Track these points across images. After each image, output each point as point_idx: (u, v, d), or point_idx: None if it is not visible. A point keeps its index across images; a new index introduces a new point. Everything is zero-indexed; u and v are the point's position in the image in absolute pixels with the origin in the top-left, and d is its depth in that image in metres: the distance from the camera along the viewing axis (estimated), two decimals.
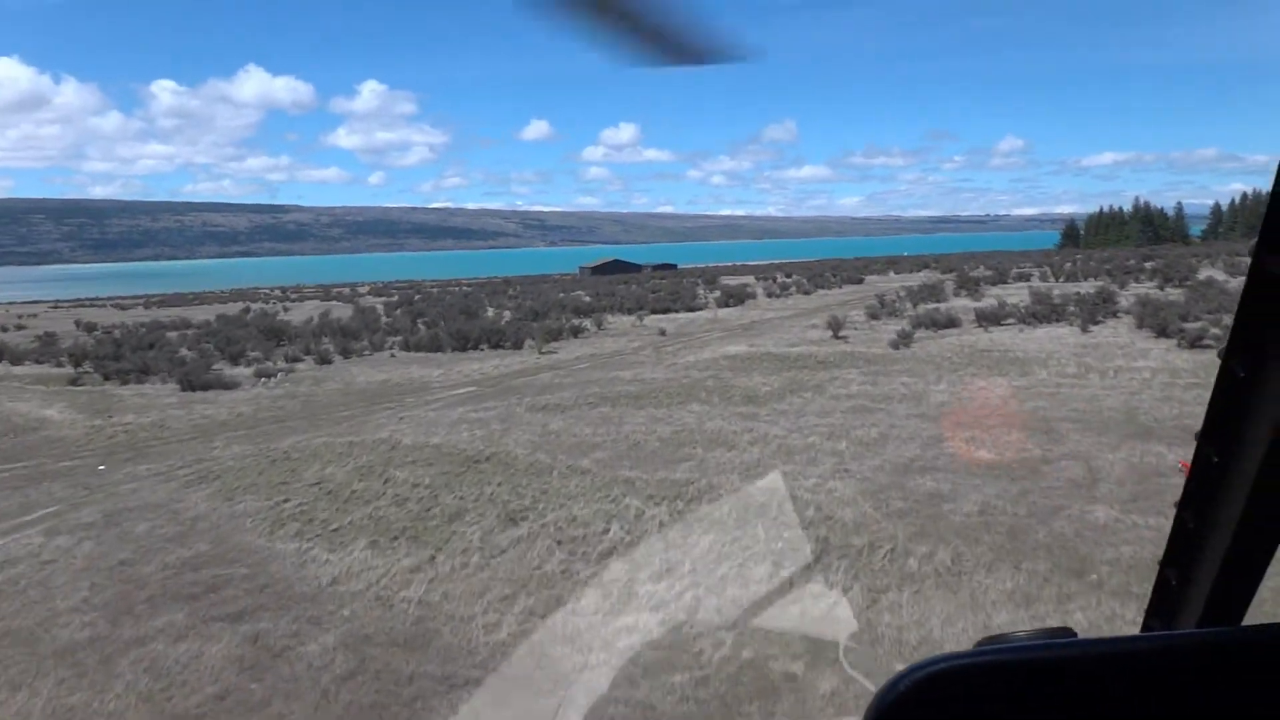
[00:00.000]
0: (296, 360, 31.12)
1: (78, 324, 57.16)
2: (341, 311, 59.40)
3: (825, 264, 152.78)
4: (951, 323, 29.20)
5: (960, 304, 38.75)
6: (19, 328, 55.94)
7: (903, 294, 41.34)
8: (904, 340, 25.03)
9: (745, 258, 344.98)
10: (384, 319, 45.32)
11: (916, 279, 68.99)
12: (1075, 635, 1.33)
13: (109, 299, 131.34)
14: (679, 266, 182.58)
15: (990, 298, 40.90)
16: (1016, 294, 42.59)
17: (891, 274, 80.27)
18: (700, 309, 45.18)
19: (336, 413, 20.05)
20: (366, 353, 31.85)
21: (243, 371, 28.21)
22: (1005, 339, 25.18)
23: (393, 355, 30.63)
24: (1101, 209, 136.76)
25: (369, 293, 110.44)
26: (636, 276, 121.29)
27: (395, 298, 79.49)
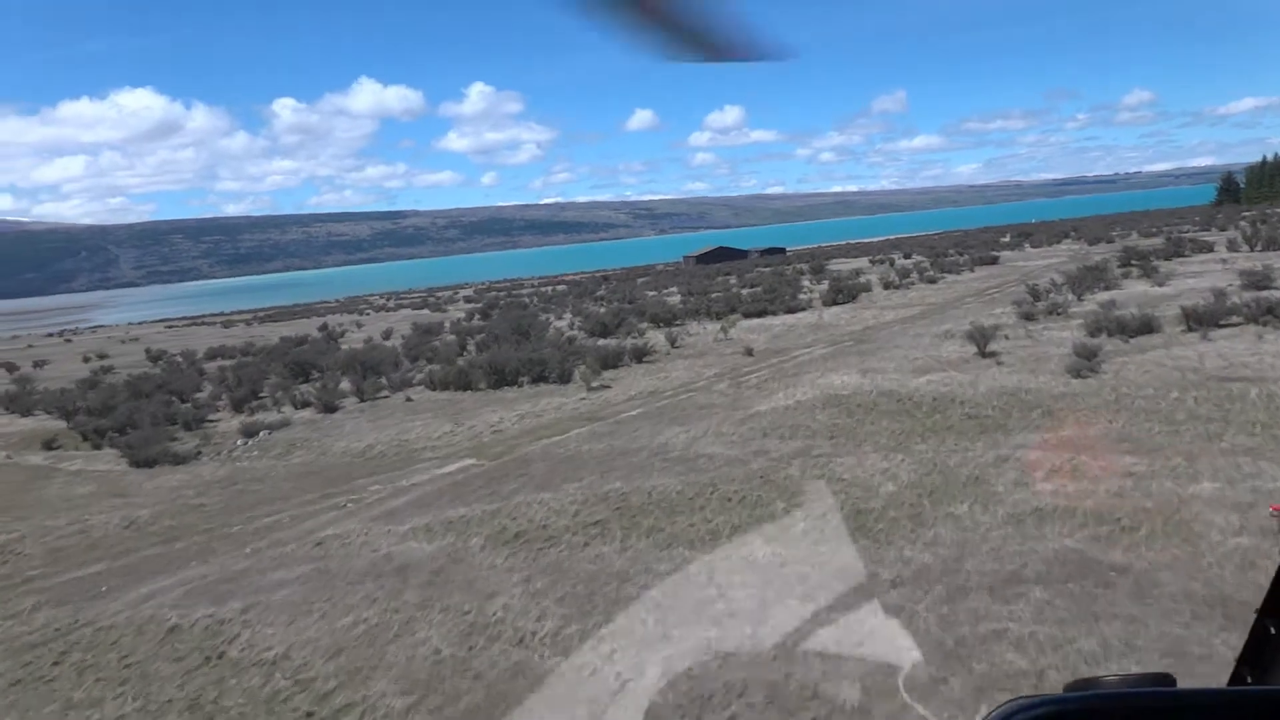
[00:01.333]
0: (306, 404, 25.41)
1: (148, 352, 53.80)
2: (425, 321, 54.40)
3: (947, 238, 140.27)
4: (1147, 326, 20.87)
5: (1139, 290, 30.02)
6: (97, 356, 52.85)
7: (1058, 280, 32.66)
8: (1087, 361, 17.10)
9: (859, 235, 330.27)
10: (446, 336, 39.64)
11: (1060, 253, 59.04)
12: (1174, 682, 1.28)
13: (224, 315, 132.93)
14: (788, 250, 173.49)
15: (1179, 277, 31.89)
16: (1209, 271, 33.36)
17: (1027, 247, 70.10)
18: (803, 309, 37.59)
19: (260, 518, 13.80)
20: (384, 394, 25.79)
21: (233, 426, 22.64)
22: (1251, 356, 16.89)
23: (408, 399, 24.39)
24: (1265, 158, 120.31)
25: (470, 294, 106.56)
26: (741, 264, 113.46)
27: (481, 303, 74.63)
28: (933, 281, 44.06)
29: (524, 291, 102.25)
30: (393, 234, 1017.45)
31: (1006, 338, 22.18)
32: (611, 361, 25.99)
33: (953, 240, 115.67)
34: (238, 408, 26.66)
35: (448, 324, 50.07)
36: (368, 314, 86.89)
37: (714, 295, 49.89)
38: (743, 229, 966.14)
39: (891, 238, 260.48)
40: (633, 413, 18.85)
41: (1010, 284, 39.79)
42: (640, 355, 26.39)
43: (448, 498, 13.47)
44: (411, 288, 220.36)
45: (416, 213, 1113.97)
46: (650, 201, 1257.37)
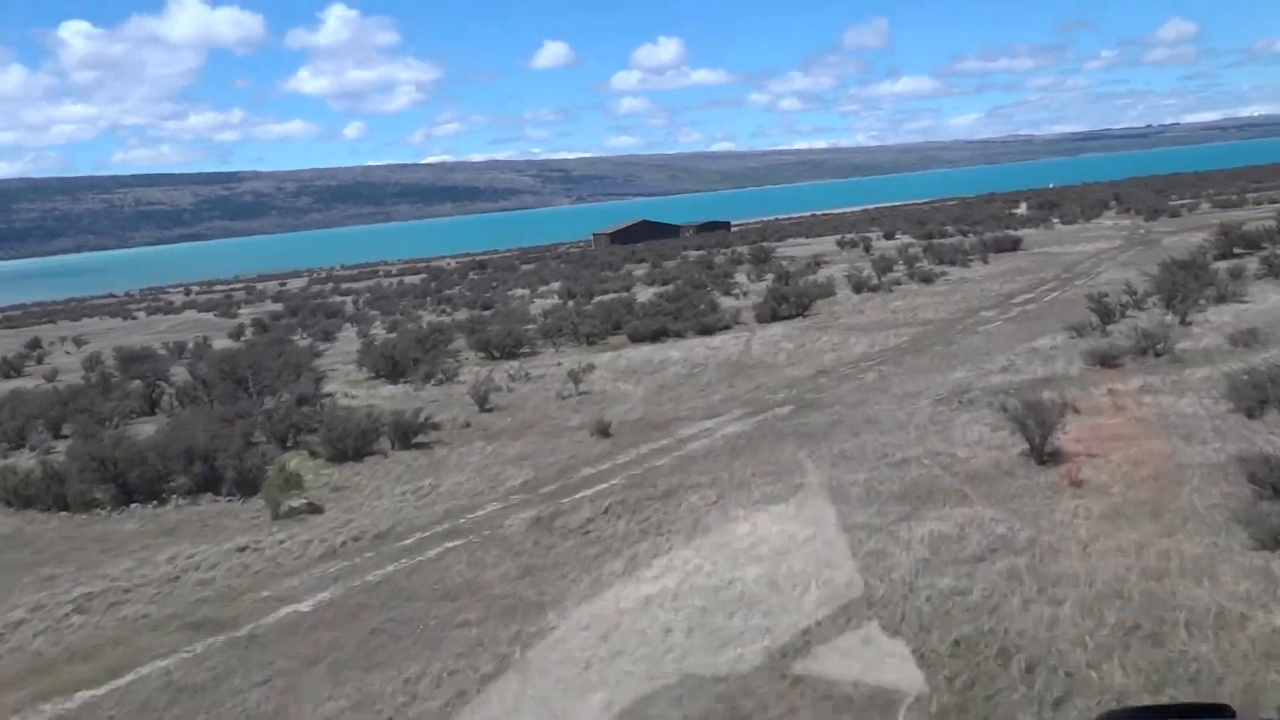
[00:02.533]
0: None
1: None
2: (193, 333, 45.51)
3: (942, 209, 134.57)
4: None
5: (1278, 302, 23.26)
6: None
7: (1133, 289, 25.62)
8: None
9: (828, 203, 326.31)
10: (169, 372, 31.16)
11: (1106, 232, 52.87)
12: (1233, 714, 1.38)
13: None
14: (732, 225, 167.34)
15: None
16: None
17: (1056, 223, 64.01)
18: (724, 328, 30.19)
19: None
20: None
21: None
22: None
23: None
24: None
25: (288, 289, 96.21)
26: (668, 245, 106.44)
27: (283, 305, 65.92)
28: (928, 280, 36.99)
29: (358, 286, 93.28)
30: (225, 202, 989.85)
31: (1076, 411, 14.79)
32: (358, 444, 18.03)
33: (950, 213, 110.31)
34: None
35: (192, 343, 41.45)
36: (137, 317, 77.58)
37: (604, 298, 42.28)
38: (681, 196, 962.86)
39: (870, 208, 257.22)
40: (282, 613, 10.91)
41: (1047, 285, 33.09)
42: (408, 434, 18.42)
43: None
44: (236, 275, 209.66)
45: (257, 175, 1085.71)
46: (564, 161, 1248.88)
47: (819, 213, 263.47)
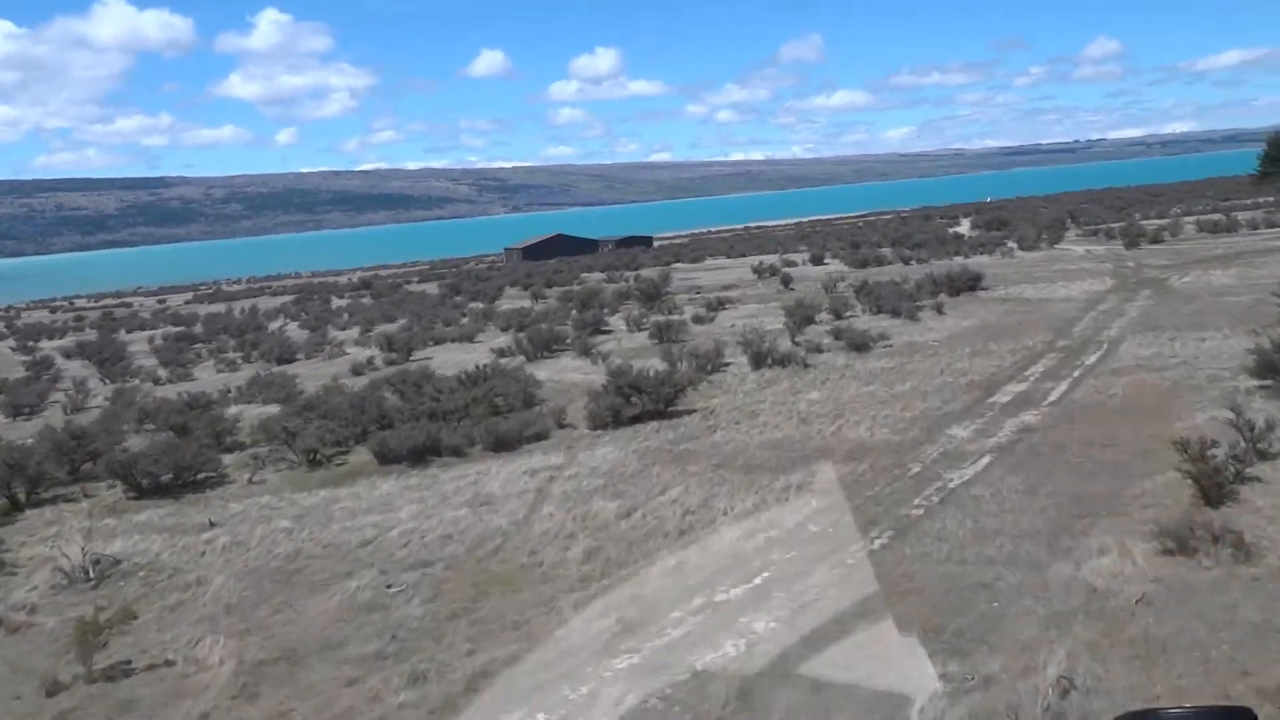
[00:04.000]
0: None
1: None
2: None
3: (877, 225, 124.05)
4: None
5: None
6: None
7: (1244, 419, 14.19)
8: None
9: (762, 215, 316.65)
10: None
11: (1082, 264, 41.97)
12: (1254, 717, 1.33)
13: None
14: (657, 241, 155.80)
15: None
16: None
17: (1017, 250, 52.97)
18: (538, 436, 18.52)
19: None
20: None
21: None
22: None
23: None
24: None
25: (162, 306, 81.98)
26: (576, 262, 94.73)
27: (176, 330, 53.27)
28: (862, 348, 25.36)
29: (210, 310, 79.88)
30: (151, 208, 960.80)
31: None
32: None
33: (886, 230, 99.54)
34: None
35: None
36: None
37: (413, 363, 30.38)
38: (618, 206, 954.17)
39: (804, 221, 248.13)
40: None
41: (1041, 360, 21.86)
42: None
43: None
44: (137, 288, 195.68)
45: (185, 180, 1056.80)
46: (501, 170, 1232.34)
47: (752, 225, 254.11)
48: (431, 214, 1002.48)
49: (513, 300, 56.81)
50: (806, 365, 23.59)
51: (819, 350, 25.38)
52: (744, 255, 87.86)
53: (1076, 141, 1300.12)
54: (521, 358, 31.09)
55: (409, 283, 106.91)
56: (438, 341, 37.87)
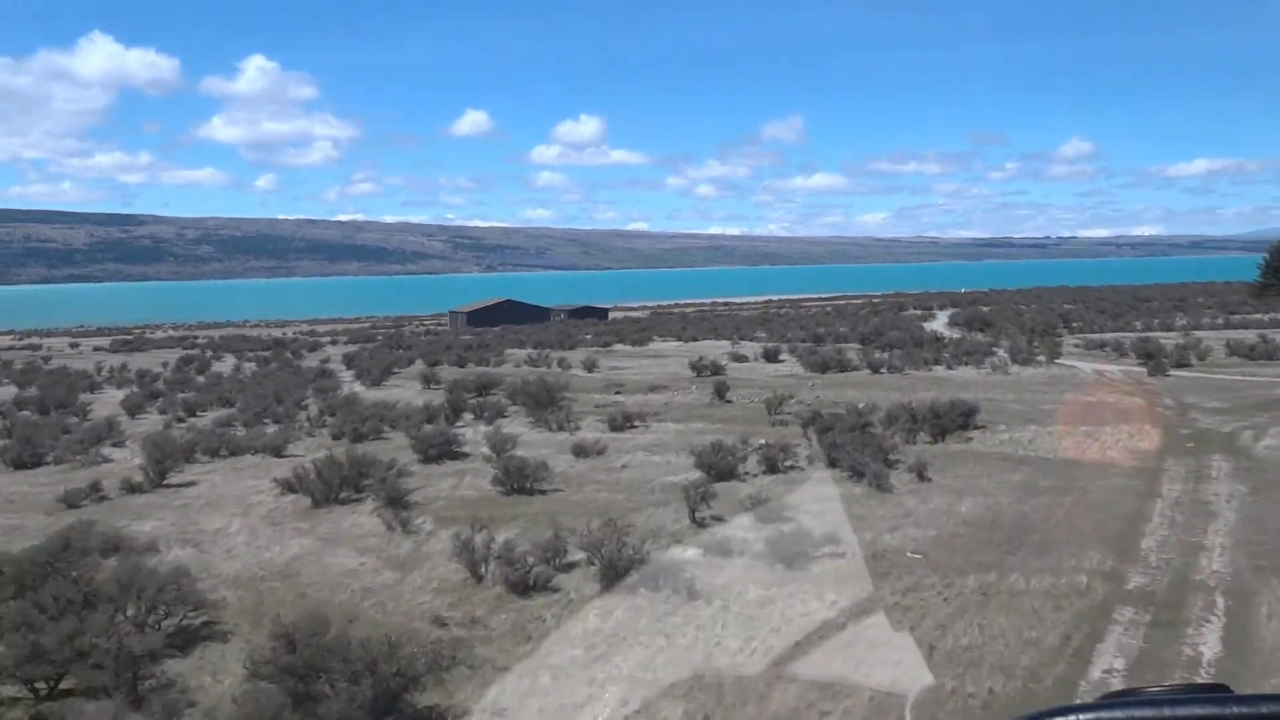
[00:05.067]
0: None
1: None
2: None
3: (845, 312, 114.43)
4: None
5: None
6: None
7: None
8: None
9: (731, 290, 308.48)
10: None
11: (1122, 408, 32.30)
12: (1230, 691, 1.31)
13: None
14: (615, 310, 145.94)
15: None
16: None
17: (1011, 365, 43.33)
18: None
19: None
20: None
21: None
22: None
23: None
24: None
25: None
26: (522, 333, 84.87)
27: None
28: (793, 560, 15.17)
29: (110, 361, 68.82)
30: (120, 245, 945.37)
31: None
32: None
33: (855, 319, 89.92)
34: None
35: None
36: None
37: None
38: (592, 271, 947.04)
39: (773, 299, 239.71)
40: None
41: (1100, 600, 11.55)
42: None
43: None
44: (79, 324, 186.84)
45: (159, 219, 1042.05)
46: (477, 229, 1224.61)
47: (720, 301, 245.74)
48: (405, 268, 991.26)
49: (399, 384, 46.62)
50: (693, 595, 13.31)
51: (726, 551, 15.15)
52: (695, 339, 78.11)
53: (1048, 237, 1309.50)
54: (308, 500, 20.86)
55: (331, 342, 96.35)
56: (229, 452, 27.41)
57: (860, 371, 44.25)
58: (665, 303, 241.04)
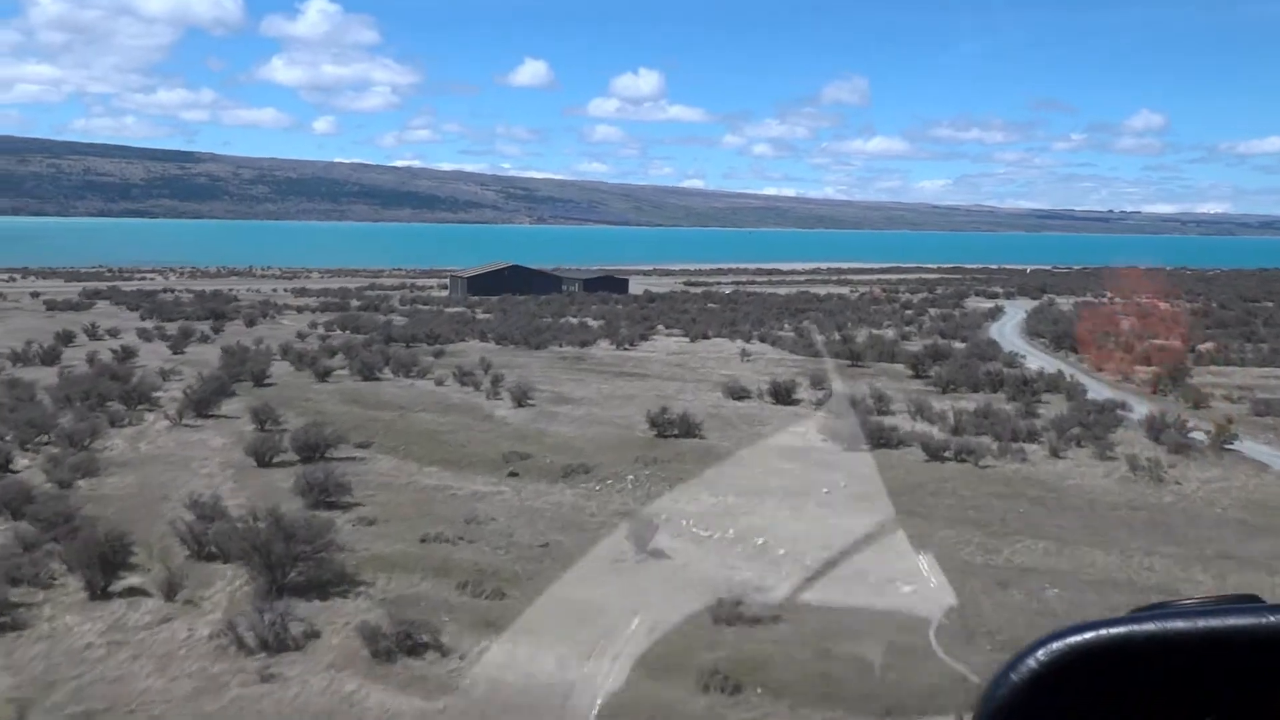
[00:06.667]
0: None
1: None
2: None
3: (899, 296, 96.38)
4: None
5: None
6: None
7: None
8: None
9: (779, 255, 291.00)
10: None
11: None
12: (1261, 600, 1.29)
13: None
14: (647, 274, 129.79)
15: None
16: None
17: (1156, 468, 26.84)
18: None
19: None
20: None
21: None
22: None
23: None
24: None
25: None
26: (433, 336, 69.24)
27: None
28: None
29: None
30: (176, 181, 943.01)
31: None
32: None
33: (908, 307, 72.65)
34: None
35: None
36: None
37: None
38: (643, 228, 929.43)
39: (820, 268, 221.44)
40: None
41: None
42: None
43: None
44: (129, 265, 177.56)
45: (215, 158, 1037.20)
46: (531, 180, 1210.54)
47: (766, 266, 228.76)
48: (456, 216, 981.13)
49: (214, 425, 31.26)
50: None
51: None
52: (704, 337, 61.98)
53: (1111, 211, 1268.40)
54: None
55: (298, 310, 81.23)
56: None
57: (911, 451, 28.22)
58: (705, 267, 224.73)
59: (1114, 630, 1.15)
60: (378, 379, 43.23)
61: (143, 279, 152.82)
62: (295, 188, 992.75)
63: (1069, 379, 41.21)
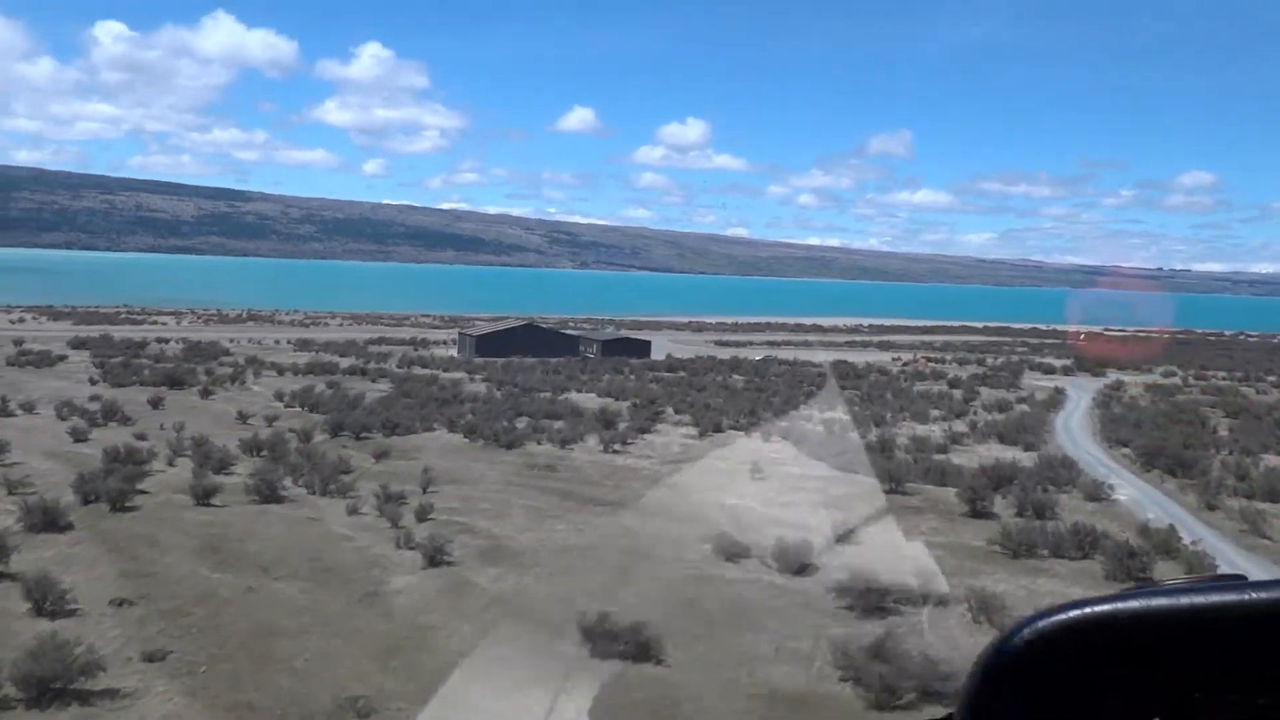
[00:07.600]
0: None
1: None
2: None
3: (944, 362, 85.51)
4: None
5: None
6: None
7: None
8: None
9: (820, 310, 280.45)
10: None
11: None
12: (1247, 579, 1.30)
13: None
14: (671, 334, 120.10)
15: None
16: None
17: None
18: None
19: None
20: None
21: None
22: None
23: None
24: None
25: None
26: (388, 427, 59.80)
27: None
28: None
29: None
30: (226, 219, 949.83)
31: None
32: None
33: (955, 387, 61.81)
34: None
35: None
36: None
37: None
38: (687, 274, 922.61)
39: (862, 325, 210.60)
40: None
41: None
42: None
43: None
44: (171, 307, 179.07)
45: (265, 197, 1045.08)
46: (575, 225, 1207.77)
47: (806, 322, 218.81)
48: (500, 260, 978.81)
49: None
50: None
51: None
52: (718, 429, 52.06)
53: (1160, 269, 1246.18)
54: None
55: (277, 373, 72.16)
56: None
57: None
58: (742, 320, 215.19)
59: (1100, 608, 1.15)
60: (279, 498, 33.62)
61: (152, 323, 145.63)
62: (342, 228, 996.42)
63: (1183, 541, 30.31)
